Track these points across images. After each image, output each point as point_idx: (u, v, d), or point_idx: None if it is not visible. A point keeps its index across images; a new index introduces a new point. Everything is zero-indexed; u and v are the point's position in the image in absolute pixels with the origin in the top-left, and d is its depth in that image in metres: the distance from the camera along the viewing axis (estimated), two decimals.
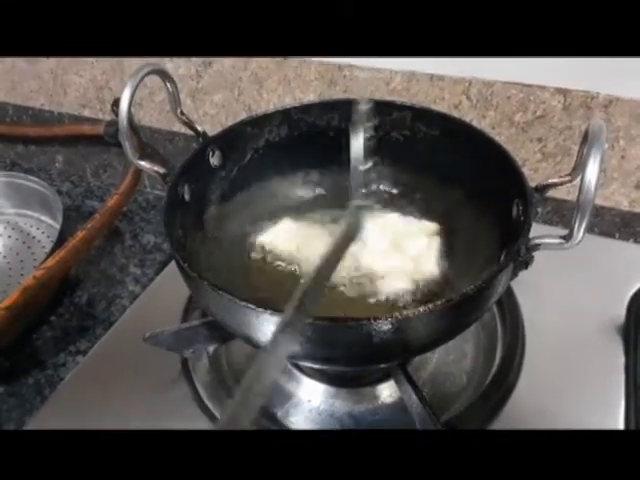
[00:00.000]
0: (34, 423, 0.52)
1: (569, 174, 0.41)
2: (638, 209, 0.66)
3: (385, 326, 0.34)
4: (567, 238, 0.36)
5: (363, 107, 0.46)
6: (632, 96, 0.59)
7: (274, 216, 0.58)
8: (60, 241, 0.66)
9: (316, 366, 0.49)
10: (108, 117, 0.86)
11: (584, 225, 0.34)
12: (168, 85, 0.48)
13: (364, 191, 0.47)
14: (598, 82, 0.60)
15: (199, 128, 0.52)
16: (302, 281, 0.32)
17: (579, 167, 0.36)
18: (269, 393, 0.37)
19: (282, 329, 0.31)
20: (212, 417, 0.49)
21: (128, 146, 0.45)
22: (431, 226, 0.56)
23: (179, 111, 0.51)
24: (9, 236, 0.81)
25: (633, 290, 0.55)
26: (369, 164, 0.47)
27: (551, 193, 0.65)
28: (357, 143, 0.45)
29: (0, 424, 0.56)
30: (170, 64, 0.77)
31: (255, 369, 0.28)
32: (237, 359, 0.56)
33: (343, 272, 0.51)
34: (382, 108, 0.57)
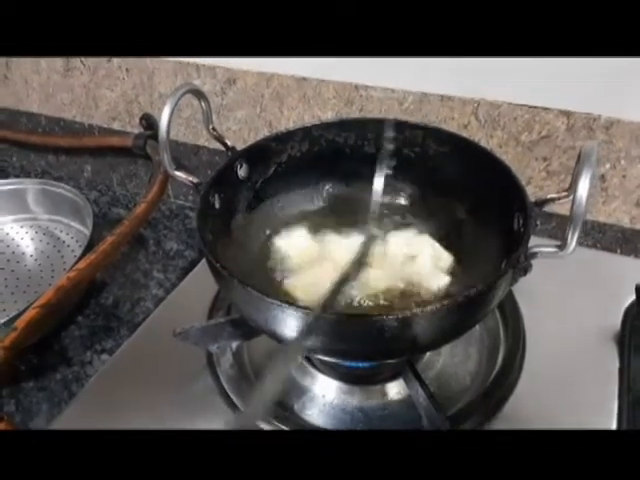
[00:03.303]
0: (65, 415, 0.55)
1: (566, 190, 0.44)
2: (638, 226, 0.68)
3: (395, 322, 0.38)
4: (561, 247, 0.39)
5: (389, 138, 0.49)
6: (632, 119, 0.61)
7: (294, 225, 0.61)
8: (90, 245, 0.69)
9: (332, 360, 0.52)
10: (136, 130, 0.90)
11: (576, 235, 0.38)
12: (202, 104, 0.52)
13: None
14: (600, 105, 0.62)
15: (228, 142, 0.56)
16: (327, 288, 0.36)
17: (573, 184, 0.40)
18: (285, 384, 0.41)
19: (308, 327, 0.35)
20: (235, 408, 0.52)
21: (166, 158, 0.49)
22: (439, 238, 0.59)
23: (211, 127, 0.54)
24: (41, 240, 0.85)
25: (629, 301, 0.58)
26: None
27: (555, 210, 0.69)
28: (381, 173, 0.49)
29: (30, 416, 0.58)
30: (197, 81, 0.81)
31: (277, 362, 0.32)
32: (257, 355, 0.59)
33: (355, 289, 0.53)
34: (395, 127, 0.61)
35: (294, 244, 0.59)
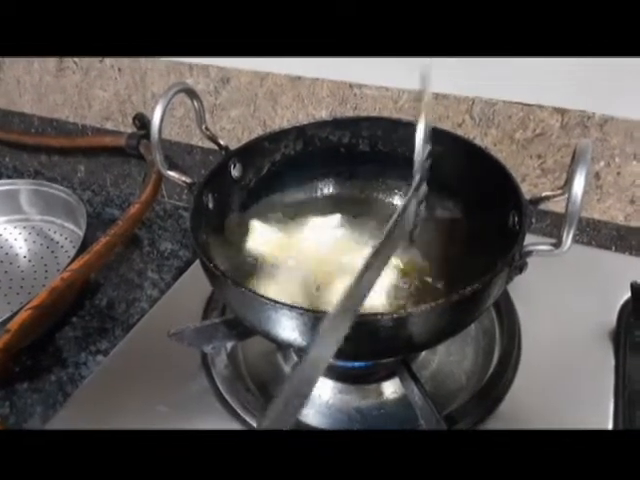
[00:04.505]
0: (60, 417, 0.55)
1: (561, 188, 0.44)
2: (633, 223, 0.68)
3: (390, 322, 0.38)
4: (557, 245, 0.39)
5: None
6: (626, 116, 0.61)
7: (288, 224, 0.61)
8: (84, 246, 0.68)
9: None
10: (129, 130, 0.90)
11: (572, 233, 0.38)
12: (195, 103, 0.52)
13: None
14: (594, 102, 0.62)
15: (222, 142, 0.56)
16: (344, 286, 0.33)
17: (568, 181, 0.40)
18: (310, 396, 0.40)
19: (326, 331, 0.31)
20: (230, 409, 0.52)
21: (159, 158, 0.49)
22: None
23: (204, 127, 0.54)
24: (34, 241, 0.85)
25: (624, 298, 0.58)
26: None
27: (551, 208, 0.69)
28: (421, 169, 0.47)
29: (25, 417, 0.58)
30: (190, 80, 0.81)
31: (297, 373, 0.29)
32: (252, 355, 0.59)
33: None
34: (390, 125, 0.61)
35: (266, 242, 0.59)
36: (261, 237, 0.58)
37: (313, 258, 0.56)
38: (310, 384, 0.30)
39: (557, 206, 0.68)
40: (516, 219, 0.46)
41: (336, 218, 0.61)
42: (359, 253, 0.55)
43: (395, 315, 0.38)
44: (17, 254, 0.83)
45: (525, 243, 0.43)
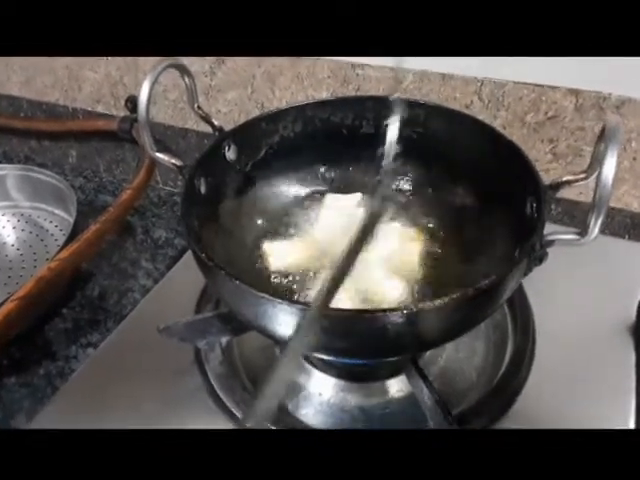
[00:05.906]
0: (46, 412, 0.53)
1: (584, 171, 0.41)
2: None
3: (400, 318, 0.35)
4: (582, 234, 0.36)
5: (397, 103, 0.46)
6: None
7: (286, 211, 0.59)
8: (74, 234, 0.67)
9: (332, 358, 0.50)
10: (122, 113, 0.88)
11: (600, 221, 0.35)
12: (186, 79, 0.49)
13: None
14: (610, 83, 0.60)
15: (215, 123, 0.53)
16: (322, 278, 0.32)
17: (595, 164, 0.37)
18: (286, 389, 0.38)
19: (304, 326, 0.31)
20: (224, 407, 0.50)
21: (147, 138, 0.46)
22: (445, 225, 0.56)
23: (196, 106, 0.52)
24: (22, 229, 0.83)
25: None
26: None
27: (563, 194, 0.66)
28: (391, 139, 0.45)
29: (12, 413, 0.56)
30: (185, 61, 0.78)
31: (278, 367, 0.29)
32: (248, 351, 0.56)
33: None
34: (395, 104, 0.58)
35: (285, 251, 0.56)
36: (280, 255, 0.55)
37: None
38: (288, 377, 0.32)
39: (570, 193, 0.66)
40: (534, 206, 0.43)
41: (356, 197, 0.58)
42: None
43: (405, 311, 0.35)
44: (5, 242, 0.82)
45: (545, 232, 0.40)
